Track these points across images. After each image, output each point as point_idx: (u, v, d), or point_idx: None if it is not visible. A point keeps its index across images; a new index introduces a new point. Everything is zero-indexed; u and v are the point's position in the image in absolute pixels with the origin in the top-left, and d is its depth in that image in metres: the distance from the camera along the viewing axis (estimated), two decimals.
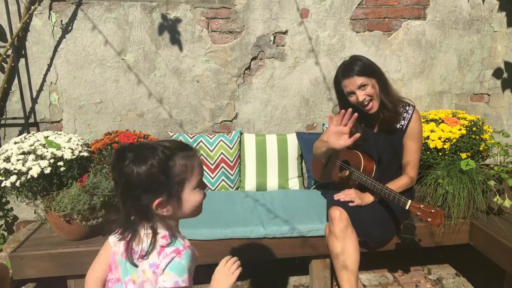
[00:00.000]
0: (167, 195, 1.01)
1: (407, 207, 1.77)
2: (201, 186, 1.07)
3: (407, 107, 2.01)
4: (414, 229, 1.89)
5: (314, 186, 2.66)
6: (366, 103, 1.90)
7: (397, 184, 1.98)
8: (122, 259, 1.09)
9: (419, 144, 2.02)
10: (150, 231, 1.04)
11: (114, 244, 1.12)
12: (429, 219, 1.70)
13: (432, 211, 1.70)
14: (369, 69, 1.90)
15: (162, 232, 1.04)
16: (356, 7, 2.72)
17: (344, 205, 1.92)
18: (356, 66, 1.89)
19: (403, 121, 2.00)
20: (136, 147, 1.02)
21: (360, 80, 1.87)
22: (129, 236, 1.06)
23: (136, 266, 1.04)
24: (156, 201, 1.00)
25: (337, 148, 1.82)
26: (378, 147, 2.03)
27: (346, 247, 1.84)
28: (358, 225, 1.90)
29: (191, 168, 1.04)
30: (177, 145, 1.05)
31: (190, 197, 1.05)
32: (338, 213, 1.87)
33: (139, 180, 0.98)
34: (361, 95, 1.88)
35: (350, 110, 1.76)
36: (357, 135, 1.74)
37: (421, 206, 1.74)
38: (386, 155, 2.03)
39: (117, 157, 1.01)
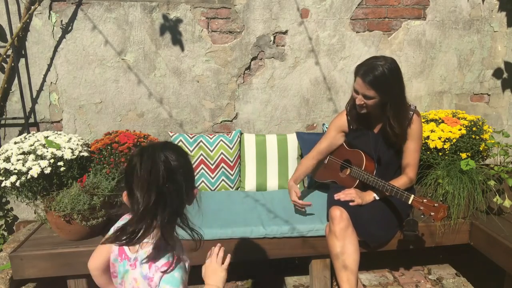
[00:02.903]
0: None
1: (410, 202, 1.78)
2: None
3: (408, 107, 2.00)
4: (416, 225, 1.89)
5: (314, 186, 2.66)
6: (359, 107, 1.91)
7: (397, 184, 1.97)
8: (117, 260, 1.11)
9: (419, 144, 2.01)
10: (146, 241, 1.00)
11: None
12: (432, 213, 1.71)
13: (436, 205, 1.71)
14: (383, 87, 1.81)
15: (152, 242, 1.01)
16: (356, 7, 2.72)
17: (344, 204, 1.92)
18: (374, 74, 1.78)
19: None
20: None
21: (368, 91, 1.82)
22: (125, 241, 0.99)
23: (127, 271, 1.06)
24: (195, 192, 1.05)
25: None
26: (378, 147, 2.03)
27: (346, 246, 1.84)
28: (359, 225, 1.90)
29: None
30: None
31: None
32: (338, 212, 1.87)
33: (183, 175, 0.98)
34: (359, 100, 1.88)
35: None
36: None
37: (424, 200, 1.75)
38: (385, 155, 2.03)
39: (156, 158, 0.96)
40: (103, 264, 1.19)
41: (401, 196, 1.82)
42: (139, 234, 0.95)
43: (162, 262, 0.99)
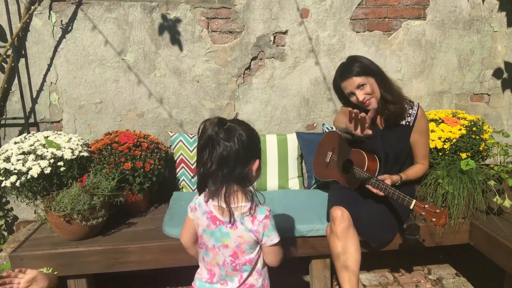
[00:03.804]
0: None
1: (411, 207, 1.77)
2: None
3: (412, 104, 2.06)
4: (418, 230, 1.89)
5: (314, 186, 2.66)
6: (366, 101, 1.93)
7: (412, 170, 2.05)
8: (208, 230, 1.30)
9: (427, 138, 2.10)
10: (237, 205, 1.26)
11: (195, 217, 1.35)
12: (434, 219, 1.70)
13: (437, 211, 1.69)
14: (366, 69, 1.92)
15: (247, 205, 1.27)
16: (356, 7, 2.72)
17: (345, 204, 1.91)
18: (353, 67, 1.92)
19: (409, 117, 2.03)
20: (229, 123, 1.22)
21: (358, 80, 1.90)
22: (216, 210, 1.28)
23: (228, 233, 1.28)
24: (256, 163, 1.25)
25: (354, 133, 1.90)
26: (385, 144, 2.03)
27: (347, 247, 1.83)
28: (360, 225, 1.90)
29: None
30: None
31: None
32: (339, 212, 1.86)
33: (246, 148, 1.20)
34: (360, 95, 1.92)
35: (366, 114, 1.80)
36: (369, 132, 1.81)
37: (426, 206, 1.73)
38: (392, 151, 2.04)
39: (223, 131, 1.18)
40: (192, 236, 1.41)
41: (402, 200, 1.80)
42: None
43: (262, 216, 1.28)
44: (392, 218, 2.00)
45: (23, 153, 2.01)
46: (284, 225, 2.05)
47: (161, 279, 2.34)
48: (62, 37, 2.51)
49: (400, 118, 2.02)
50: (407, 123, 2.03)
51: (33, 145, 2.04)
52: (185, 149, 2.57)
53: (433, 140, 2.31)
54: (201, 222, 1.32)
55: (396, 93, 1.99)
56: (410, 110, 2.04)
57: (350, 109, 1.85)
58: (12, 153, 1.98)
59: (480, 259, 2.16)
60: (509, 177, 2.04)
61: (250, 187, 1.30)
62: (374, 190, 1.90)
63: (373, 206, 1.97)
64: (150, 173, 2.26)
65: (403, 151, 2.06)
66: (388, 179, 1.91)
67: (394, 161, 2.07)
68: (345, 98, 2.06)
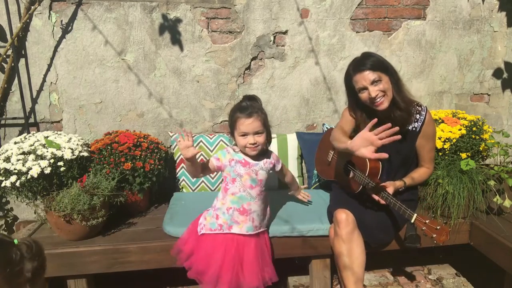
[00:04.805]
0: (231, 132, 1.86)
1: (412, 221, 1.75)
2: (244, 135, 1.77)
3: (419, 108, 1.99)
4: (419, 240, 1.87)
5: (314, 186, 2.66)
6: (378, 99, 1.84)
7: (419, 172, 2.03)
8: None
9: (434, 142, 2.07)
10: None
11: None
12: (434, 235, 1.68)
13: (438, 227, 1.67)
14: (382, 65, 1.85)
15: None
16: (356, 7, 2.72)
17: (349, 206, 1.90)
18: (369, 61, 1.84)
19: (416, 123, 1.97)
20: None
21: (373, 75, 1.82)
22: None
23: None
24: (236, 135, 1.82)
25: (356, 154, 1.72)
26: (389, 149, 1.98)
27: (352, 249, 1.83)
28: (363, 227, 1.89)
29: (237, 123, 1.77)
30: (238, 108, 1.80)
31: (237, 138, 1.81)
32: (344, 215, 1.85)
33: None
34: (373, 91, 1.82)
35: (396, 128, 1.63)
36: (385, 155, 1.63)
37: (427, 221, 1.70)
38: (397, 157, 2.00)
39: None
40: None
41: (403, 213, 1.77)
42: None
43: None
44: (394, 220, 1.98)
45: (23, 153, 2.01)
46: (284, 225, 2.05)
47: (161, 279, 2.34)
48: (62, 37, 2.51)
49: (405, 125, 1.94)
50: (414, 128, 1.97)
51: (33, 145, 2.04)
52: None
53: None
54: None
55: (406, 98, 1.92)
56: (418, 115, 1.97)
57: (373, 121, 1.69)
58: (12, 153, 1.98)
59: (480, 259, 2.16)
60: (509, 177, 2.04)
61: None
62: (376, 198, 1.86)
63: (376, 207, 1.96)
64: (150, 173, 2.26)
65: (409, 156, 2.03)
66: (390, 187, 1.87)
67: (399, 166, 2.03)
68: (353, 96, 1.96)
